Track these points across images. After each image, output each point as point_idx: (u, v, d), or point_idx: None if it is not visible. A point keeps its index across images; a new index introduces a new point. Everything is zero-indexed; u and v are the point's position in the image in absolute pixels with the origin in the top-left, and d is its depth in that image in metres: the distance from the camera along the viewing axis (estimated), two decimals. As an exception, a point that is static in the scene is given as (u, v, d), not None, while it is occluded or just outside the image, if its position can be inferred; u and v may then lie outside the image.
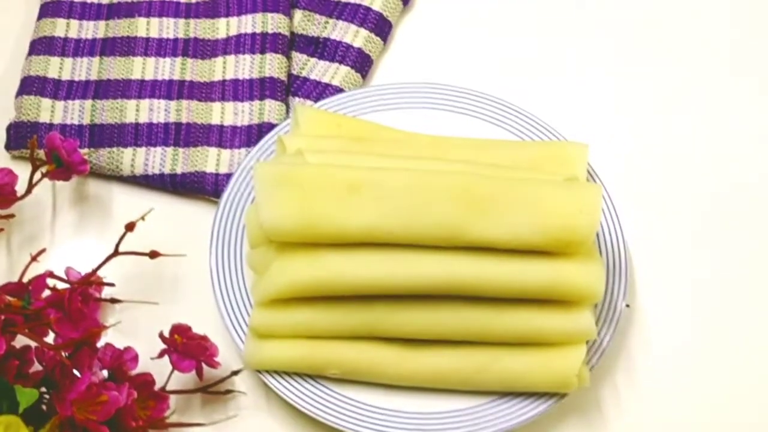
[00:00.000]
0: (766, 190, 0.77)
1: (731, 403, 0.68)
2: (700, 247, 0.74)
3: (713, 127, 0.80)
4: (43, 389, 0.60)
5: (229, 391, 0.66)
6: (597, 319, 0.66)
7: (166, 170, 0.74)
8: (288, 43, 0.80)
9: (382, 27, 0.82)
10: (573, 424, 0.67)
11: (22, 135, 0.75)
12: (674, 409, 0.68)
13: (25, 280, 0.64)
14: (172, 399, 0.64)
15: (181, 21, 0.81)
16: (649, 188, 0.76)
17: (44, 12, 0.81)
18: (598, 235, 0.69)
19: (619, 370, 0.69)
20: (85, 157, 0.70)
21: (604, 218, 0.70)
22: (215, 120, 0.76)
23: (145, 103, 0.76)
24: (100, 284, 0.67)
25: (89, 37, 0.80)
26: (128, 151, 0.74)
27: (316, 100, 0.77)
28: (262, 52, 0.79)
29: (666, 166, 0.78)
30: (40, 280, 0.63)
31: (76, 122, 0.75)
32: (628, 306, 0.69)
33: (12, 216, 0.71)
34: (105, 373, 0.62)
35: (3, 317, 0.59)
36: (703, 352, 0.70)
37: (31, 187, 0.69)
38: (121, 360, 0.62)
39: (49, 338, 0.61)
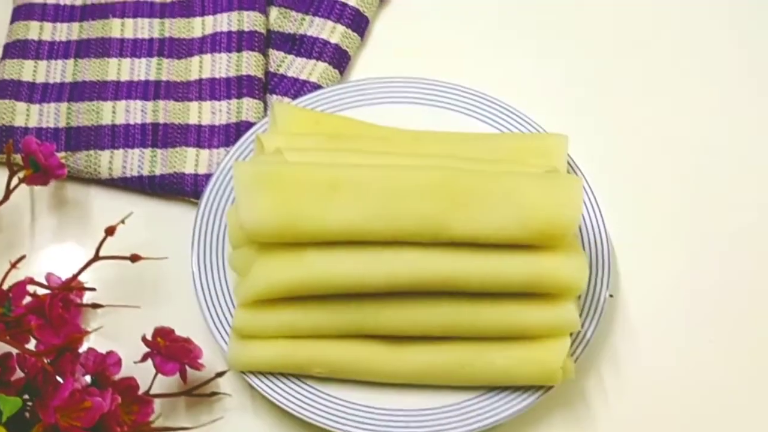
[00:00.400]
0: (745, 178, 0.77)
1: (716, 392, 0.69)
2: (681, 237, 0.74)
3: (693, 117, 0.80)
4: (26, 396, 0.59)
5: (214, 394, 0.66)
6: (581, 311, 0.66)
7: (145, 172, 0.73)
8: (264, 41, 0.80)
9: (359, 22, 0.81)
10: (559, 416, 0.67)
11: (-3, 140, 0.74)
12: (659, 399, 0.68)
13: (5, 287, 0.63)
14: (157, 403, 0.63)
15: (156, 21, 0.80)
16: (630, 179, 0.77)
17: (17, 15, 0.80)
18: (579, 226, 0.69)
19: (604, 361, 0.69)
20: (63, 160, 0.69)
21: (585, 210, 0.70)
22: (193, 120, 0.76)
23: (121, 104, 0.76)
24: (81, 289, 0.67)
25: (63, 39, 0.79)
26: (106, 154, 0.74)
27: (294, 97, 0.77)
28: (239, 50, 0.78)
29: (646, 157, 0.78)
30: (20, 287, 0.62)
31: (51, 125, 0.75)
32: (611, 296, 0.69)
33: (-10, 222, 0.71)
34: (88, 378, 0.62)
35: (-17, 325, 0.58)
36: (687, 340, 0.70)
37: (8, 193, 0.69)
38: (104, 365, 0.62)
39: (31, 345, 0.60)
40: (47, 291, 0.63)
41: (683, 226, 0.75)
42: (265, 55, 0.79)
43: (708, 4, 0.85)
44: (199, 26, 0.80)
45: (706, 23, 0.84)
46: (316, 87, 0.77)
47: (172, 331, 0.64)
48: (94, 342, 0.64)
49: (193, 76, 0.78)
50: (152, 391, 0.63)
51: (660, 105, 0.80)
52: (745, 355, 0.70)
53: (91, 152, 0.74)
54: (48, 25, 0.79)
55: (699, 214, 0.75)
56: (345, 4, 0.81)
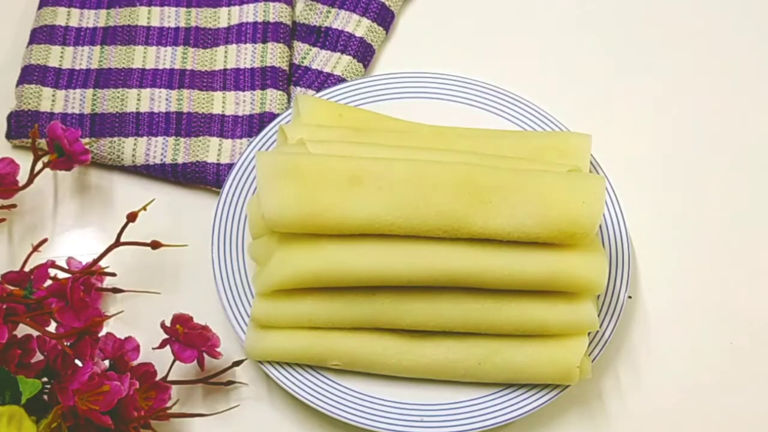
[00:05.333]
0: (769, 181, 0.77)
1: (734, 394, 0.68)
2: (702, 239, 0.74)
3: (716, 118, 0.79)
4: (45, 379, 0.60)
5: (230, 382, 0.66)
6: (599, 311, 0.66)
7: (168, 160, 0.73)
8: (290, 33, 0.80)
9: (384, 16, 0.81)
10: (575, 415, 0.67)
11: (23, 124, 0.74)
12: (677, 400, 0.68)
13: (27, 269, 0.64)
14: (174, 389, 0.64)
15: (183, 10, 0.80)
16: (652, 179, 0.76)
17: (45, 1, 0.80)
18: (600, 226, 0.69)
19: (621, 361, 0.69)
20: (87, 146, 0.70)
21: (606, 209, 0.70)
22: (216, 109, 0.76)
23: (146, 92, 0.76)
24: (102, 274, 0.67)
25: (90, 25, 0.79)
26: (129, 141, 0.74)
27: (318, 89, 0.77)
28: (264, 41, 0.78)
29: (669, 158, 0.77)
30: (42, 270, 0.63)
31: (77, 111, 0.75)
32: (630, 297, 0.69)
33: (14, 206, 0.71)
34: (106, 363, 0.62)
35: (5, 306, 0.59)
36: (705, 342, 0.70)
37: (32, 176, 0.69)
38: (122, 350, 0.62)
39: (51, 328, 0.61)
40: (68, 275, 0.64)
41: (705, 228, 0.74)
42: (290, 46, 0.79)
43: (733, 3, 0.85)
44: (225, 16, 0.80)
45: (730, 22, 0.84)
46: (340, 80, 0.77)
47: (191, 318, 0.64)
48: (113, 327, 0.64)
49: (218, 66, 0.78)
50: (170, 378, 0.64)
51: (684, 106, 0.80)
52: (764, 358, 0.70)
53: (115, 139, 0.74)
54: (75, 11, 0.80)
55: (721, 216, 0.75)
56: (371, -2, 0.81)
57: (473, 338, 0.64)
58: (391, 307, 0.63)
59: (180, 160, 0.73)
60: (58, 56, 0.77)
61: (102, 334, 0.62)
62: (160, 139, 0.74)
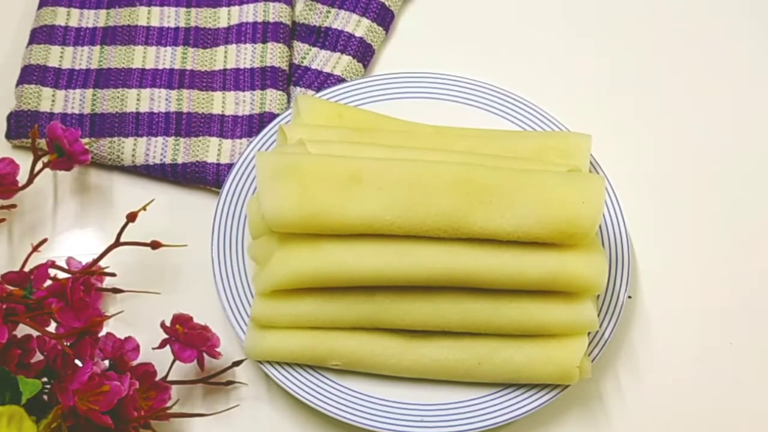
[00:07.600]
0: (769, 181, 0.77)
1: (735, 394, 0.68)
2: (702, 239, 0.74)
3: (716, 118, 0.79)
4: (45, 379, 0.60)
5: (230, 382, 0.66)
6: (599, 311, 0.66)
7: (167, 160, 0.73)
8: (289, 33, 0.80)
9: (384, 16, 0.81)
10: (575, 415, 0.67)
11: (22, 124, 0.74)
12: (677, 400, 0.68)
13: (26, 269, 0.64)
14: (174, 389, 0.64)
15: (182, 10, 0.80)
16: (652, 179, 0.76)
17: (45, 1, 0.80)
18: (600, 226, 0.69)
19: (621, 362, 0.69)
20: (87, 147, 0.70)
21: (606, 209, 0.70)
22: (216, 109, 0.76)
23: (146, 92, 0.76)
24: (102, 274, 0.67)
25: (90, 25, 0.79)
26: (129, 141, 0.74)
27: (318, 89, 0.77)
28: (264, 41, 0.78)
29: (668, 158, 0.77)
30: (41, 270, 0.63)
31: (77, 111, 0.75)
32: (630, 297, 0.69)
33: (13, 206, 0.71)
34: (106, 363, 0.62)
35: (5, 306, 0.59)
36: (705, 342, 0.70)
37: (32, 176, 0.69)
38: (122, 350, 0.62)
39: (51, 328, 0.61)
40: (68, 275, 0.64)
41: (704, 228, 0.74)
42: (290, 46, 0.79)
43: (732, 5, 0.85)
44: (224, 16, 0.80)
45: (730, 23, 0.84)
46: (340, 80, 0.77)
47: (191, 318, 0.64)
48: (113, 327, 0.64)
49: (218, 66, 0.78)
50: (169, 378, 0.64)
51: (684, 105, 0.80)
52: (764, 358, 0.70)
53: (115, 139, 0.74)
54: (75, 11, 0.80)
55: (720, 216, 0.75)
56: (371, -2, 0.81)
57: (473, 338, 0.64)
58: (391, 307, 0.63)
59: (180, 160, 0.73)
60: (57, 56, 0.77)
61: (102, 334, 0.62)
62: (159, 139, 0.74)
